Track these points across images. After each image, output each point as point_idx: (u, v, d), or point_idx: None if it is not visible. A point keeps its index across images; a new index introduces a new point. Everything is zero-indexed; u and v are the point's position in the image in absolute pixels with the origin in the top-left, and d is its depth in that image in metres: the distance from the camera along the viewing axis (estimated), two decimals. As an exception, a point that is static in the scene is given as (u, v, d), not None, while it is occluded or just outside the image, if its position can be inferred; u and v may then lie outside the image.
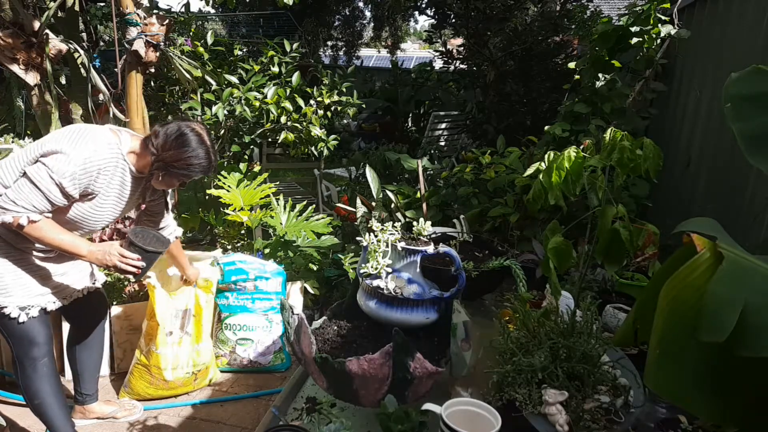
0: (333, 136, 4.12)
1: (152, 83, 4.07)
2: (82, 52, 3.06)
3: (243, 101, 3.70)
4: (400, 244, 1.39)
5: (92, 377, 2.26)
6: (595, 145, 1.40)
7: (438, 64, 8.27)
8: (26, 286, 1.81)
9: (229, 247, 3.48)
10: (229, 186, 3.37)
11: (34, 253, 1.83)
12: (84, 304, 2.06)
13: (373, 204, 3.07)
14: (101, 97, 3.15)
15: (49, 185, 1.63)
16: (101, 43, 5.04)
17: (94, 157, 1.68)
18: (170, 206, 2.17)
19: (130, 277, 1.78)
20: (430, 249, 1.40)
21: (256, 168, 3.84)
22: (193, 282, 2.48)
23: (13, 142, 3.38)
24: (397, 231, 1.43)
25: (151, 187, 1.95)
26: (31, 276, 1.82)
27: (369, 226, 1.49)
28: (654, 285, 0.72)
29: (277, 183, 3.99)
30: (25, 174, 1.65)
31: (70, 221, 1.77)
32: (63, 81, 3.62)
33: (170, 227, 2.20)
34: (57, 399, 1.96)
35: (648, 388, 1.06)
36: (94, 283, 2.10)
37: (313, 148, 4.07)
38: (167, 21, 2.97)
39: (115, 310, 2.63)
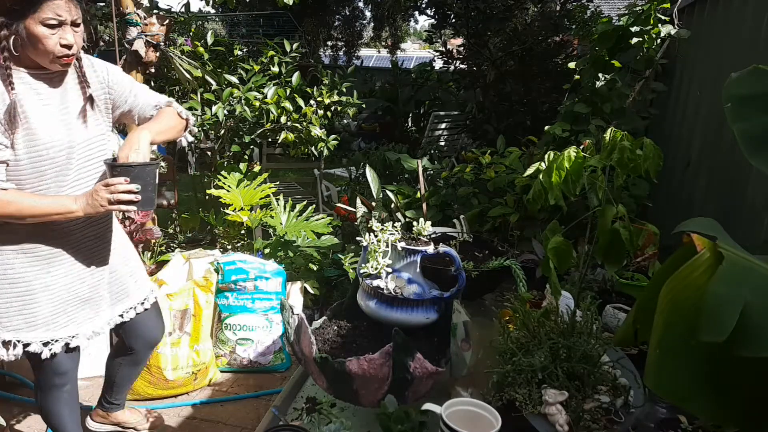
0: (333, 136, 4.12)
1: (152, 83, 4.07)
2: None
3: (243, 101, 3.70)
4: (400, 244, 1.39)
5: (126, 389, 2.10)
6: (595, 145, 1.40)
7: (438, 64, 8.27)
8: (54, 315, 1.61)
9: (229, 247, 3.48)
10: (229, 186, 3.38)
11: (54, 250, 1.59)
12: (139, 325, 1.88)
13: (373, 204, 3.07)
14: (101, 97, 3.15)
15: None
16: (101, 43, 5.03)
17: None
18: (156, 97, 1.78)
19: (133, 208, 1.50)
20: (430, 249, 1.40)
21: (256, 168, 3.84)
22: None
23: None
24: (397, 231, 1.43)
25: (105, 92, 1.64)
26: (61, 297, 1.62)
27: (369, 226, 1.49)
28: (654, 285, 0.71)
29: (277, 183, 3.99)
30: None
31: (37, 171, 1.49)
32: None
33: (152, 106, 1.76)
34: (73, 421, 1.85)
35: (648, 388, 1.05)
36: (135, 308, 1.84)
37: (313, 148, 4.07)
38: (167, 21, 2.98)
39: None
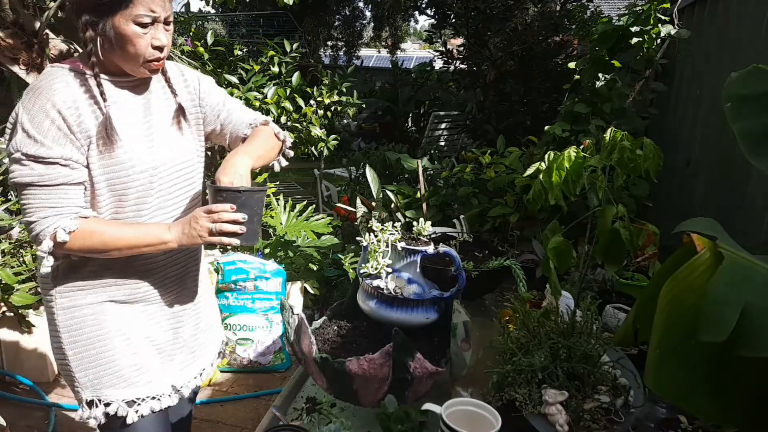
0: (333, 136, 4.13)
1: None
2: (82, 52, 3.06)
3: (243, 101, 3.70)
4: (400, 244, 1.39)
5: None
6: (595, 145, 1.40)
7: (438, 64, 8.28)
8: (134, 370, 1.33)
9: (229, 247, 3.48)
10: (229, 186, 3.37)
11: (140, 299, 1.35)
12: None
13: (373, 204, 3.07)
14: (101, 97, 3.15)
15: (30, 171, 1.16)
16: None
17: (36, 93, 1.19)
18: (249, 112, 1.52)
19: (236, 241, 1.24)
20: (430, 249, 1.40)
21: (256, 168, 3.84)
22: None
23: (13, 142, 3.38)
24: (397, 231, 1.43)
25: (196, 108, 1.41)
26: (141, 350, 1.35)
27: (369, 226, 1.49)
28: (654, 285, 0.72)
29: (277, 183, 3.99)
30: (14, 188, 1.23)
31: (115, 196, 1.26)
32: (63, 81, 3.62)
33: (247, 124, 1.49)
34: None
35: (648, 388, 1.06)
36: (205, 369, 1.52)
37: (313, 148, 4.07)
38: (167, 21, 2.97)
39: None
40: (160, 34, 1.22)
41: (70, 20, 3.21)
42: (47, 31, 2.80)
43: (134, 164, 1.25)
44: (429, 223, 1.48)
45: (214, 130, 1.48)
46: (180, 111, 1.36)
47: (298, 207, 3.46)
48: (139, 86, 1.31)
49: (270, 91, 3.76)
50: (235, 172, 1.27)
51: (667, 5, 3.06)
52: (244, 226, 1.24)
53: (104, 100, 1.21)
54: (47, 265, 1.20)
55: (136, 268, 1.33)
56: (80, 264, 1.28)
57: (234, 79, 3.73)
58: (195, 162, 1.41)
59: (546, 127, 3.16)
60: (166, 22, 1.24)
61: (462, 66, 7.17)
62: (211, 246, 1.61)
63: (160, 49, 1.23)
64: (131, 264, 1.31)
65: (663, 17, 3.09)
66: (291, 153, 1.57)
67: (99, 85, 1.22)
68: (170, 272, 1.40)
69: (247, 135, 1.47)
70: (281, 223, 3.33)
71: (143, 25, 1.19)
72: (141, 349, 1.35)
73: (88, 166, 1.22)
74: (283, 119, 3.85)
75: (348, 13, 13.83)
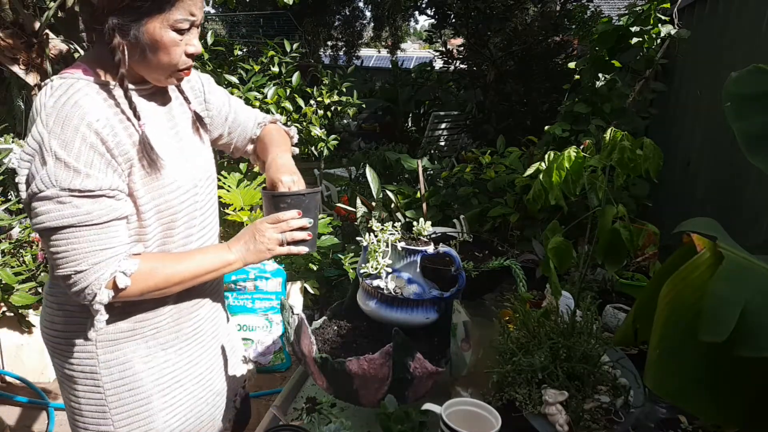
0: (333, 136, 4.13)
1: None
2: (82, 52, 3.06)
3: (243, 101, 3.71)
4: (400, 244, 1.39)
5: None
6: (595, 145, 1.40)
7: (438, 64, 8.29)
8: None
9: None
10: (229, 186, 3.38)
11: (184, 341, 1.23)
12: None
13: (373, 204, 3.07)
14: (101, 97, 3.15)
15: (73, 210, 0.96)
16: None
17: (61, 113, 0.97)
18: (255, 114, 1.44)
19: (305, 249, 1.15)
20: (430, 249, 1.40)
21: (256, 168, 3.84)
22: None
23: (13, 142, 3.39)
24: (397, 231, 1.43)
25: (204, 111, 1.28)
26: (189, 409, 1.25)
27: (369, 226, 1.49)
28: (654, 285, 0.72)
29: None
30: (42, 233, 0.99)
31: (164, 224, 1.11)
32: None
33: (253, 121, 1.41)
34: None
35: (648, 388, 1.06)
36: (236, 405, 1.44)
37: (313, 148, 4.07)
38: (167, 21, 2.98)
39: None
40: (195, 39, 1.08)
41: (70, 20, 3.21)
42: (47, 31, 2.81)
43: (181, 184, 1.11)
44: (429, 223, 1.48)
45: (221, 135, 1.35)
46: (198, 118, 1.23)
47: (298, 207, 3.45)
48: (156, 93, 1.16)
49: (270, 91, 3.77)
50: (289, 172, 1.16)
51: (667, 5, 3.06)
52: (309, 232, 1.13)
53: (138, 118, 1.05)
54: (102, 320, 1.02)
55: (191, 295, 1.21)
56: (127, 311, 1.11)
57: (234, 79, 3.73)
58: (215, 171, 1.31)
59: (546, 127, 3.16)
60: (199, 26, 1.10)
61: (462, 66, 7.17)
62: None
63: (193, 56, 1.09)
64: (184, 295, 1.19)
65: (663, 17, 3.09)
66: (296, 150, 1.47)
67: (129, 99, 1.06)
68: (213, 297, 1.31)
69: (256, 135, 1.38)
70: (281, 223, 3.33)
71: (180, 32, 1.04)
72: (185, 412, 1.25)
73: (131, 195, 1.05)
74: (283, 119, 3.85)
75: (348, 13, 13.84)
